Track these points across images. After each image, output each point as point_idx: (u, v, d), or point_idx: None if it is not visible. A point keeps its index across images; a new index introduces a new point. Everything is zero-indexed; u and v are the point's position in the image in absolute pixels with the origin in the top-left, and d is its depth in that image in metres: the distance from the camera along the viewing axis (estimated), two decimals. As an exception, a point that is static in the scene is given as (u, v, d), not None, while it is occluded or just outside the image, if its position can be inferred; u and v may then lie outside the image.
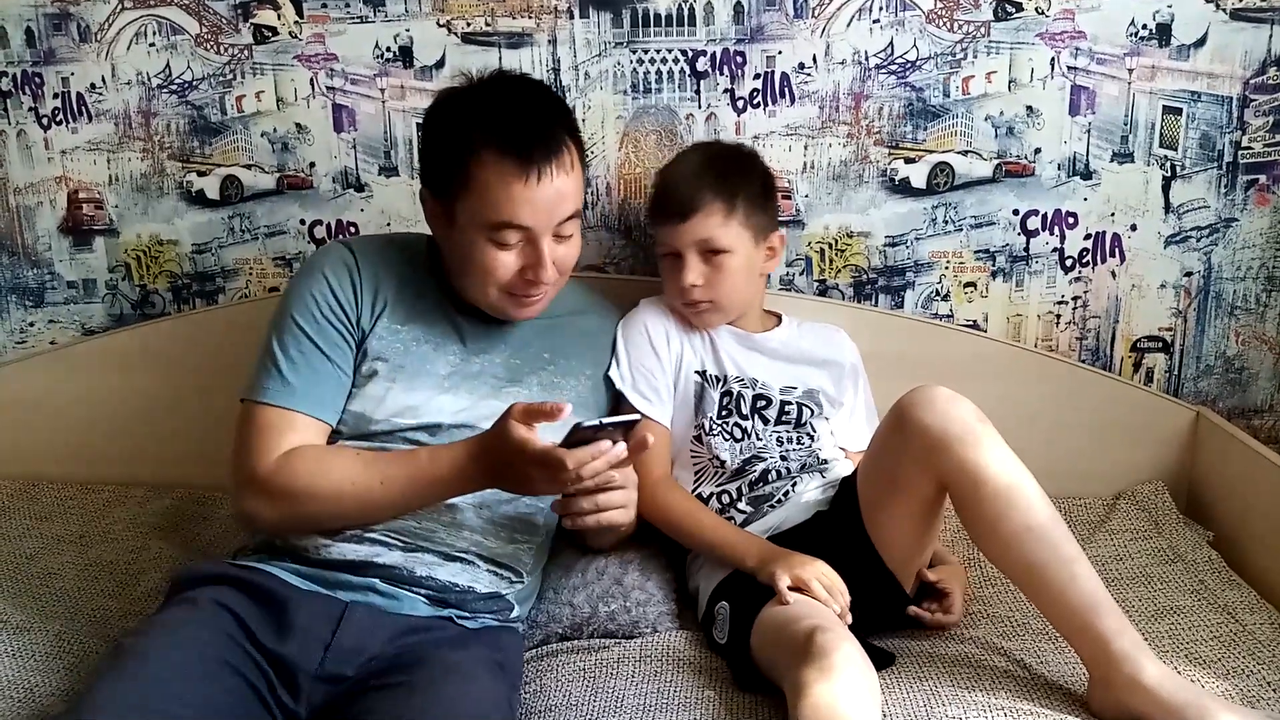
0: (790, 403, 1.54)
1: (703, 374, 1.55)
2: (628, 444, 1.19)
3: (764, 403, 1.53)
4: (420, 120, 1.71)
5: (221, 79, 1.78)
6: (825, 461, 1.52)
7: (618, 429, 1.18)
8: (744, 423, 1.52)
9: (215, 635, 1.15)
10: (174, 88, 1.79)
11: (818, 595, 1.27)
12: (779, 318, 1.64)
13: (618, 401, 1.53)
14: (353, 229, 1.82)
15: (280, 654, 1.17)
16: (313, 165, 1.80)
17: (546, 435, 1.18)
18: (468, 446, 1.25)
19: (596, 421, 1.17)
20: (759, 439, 1.51)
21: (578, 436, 1.16)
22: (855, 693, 1.09)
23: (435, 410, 1.34)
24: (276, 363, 1.32)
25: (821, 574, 1.29)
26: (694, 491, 1.51)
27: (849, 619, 1.27)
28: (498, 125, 1.29)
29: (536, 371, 1.43)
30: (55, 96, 1.81)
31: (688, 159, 1.58)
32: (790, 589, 1.28)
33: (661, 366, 1.53)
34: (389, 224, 1.81)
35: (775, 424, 1.53)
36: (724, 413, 1.52)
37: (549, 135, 1.30)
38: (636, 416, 1.24)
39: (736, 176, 1.52)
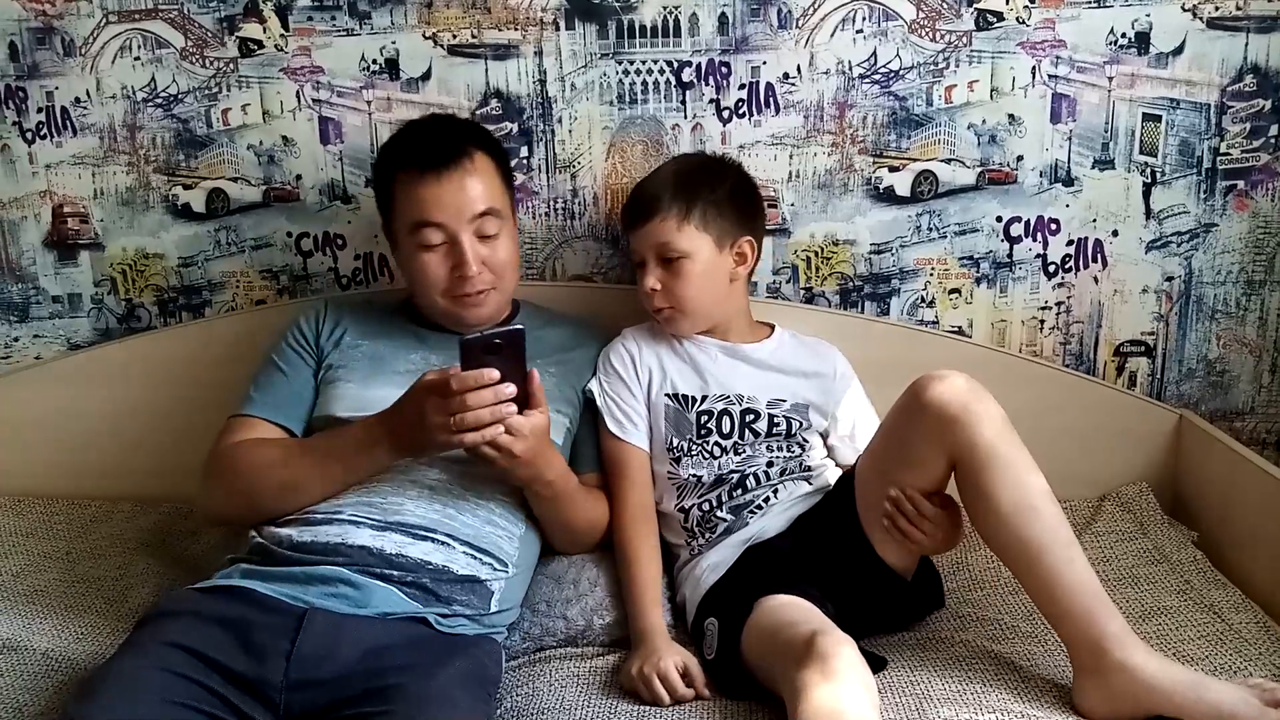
0: (778, 416, 1.54)
1: (675, 396, 1.55)
2: (522, 362, 1.27)
3: (753, 416, 1.53)
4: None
5: (207, 92, 1.78)
6: (810, 469, 1.52)
7: (503, 340, 1.26)
8: (724, 441, 1.52)
9: (165, 680, 1.14)
10: (159, 101, 1.79)
11: (653, 692, 1.26)
12: (771, 329, 1.64)
13: (595, 415, 1.55)
14: (340, 241, 1.82)
15: (245, 675, 1.17)
16: (299, 178, 1.80)
17: None
18: (380, 413, 1.35)
19: (478, 333, 1.27)
20: (741, 452, 1.51)
21: (469, 357, 1.25)
22: (856, 695, 1.09)
23: (391, 401, 1.36)
24: (248, 390, 1.50)
25: (666, 671, 1.27)
26: (676, 505, 1.52)
27: (668, 703, 1.26)
28: (405, 148, 1.50)
29: None
30: (39, 110, 1.80)
31: (660, 169, 1.61)
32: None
33: (631, 392, 1.55)
34: (376, 236, 1.81)
35: (766, 437, 1.53)
36: (703, 433, 1.52)
37: (449, 146, 1.47)
38: (520, 327, 1.29)
39: (698, 182, 1.53)
